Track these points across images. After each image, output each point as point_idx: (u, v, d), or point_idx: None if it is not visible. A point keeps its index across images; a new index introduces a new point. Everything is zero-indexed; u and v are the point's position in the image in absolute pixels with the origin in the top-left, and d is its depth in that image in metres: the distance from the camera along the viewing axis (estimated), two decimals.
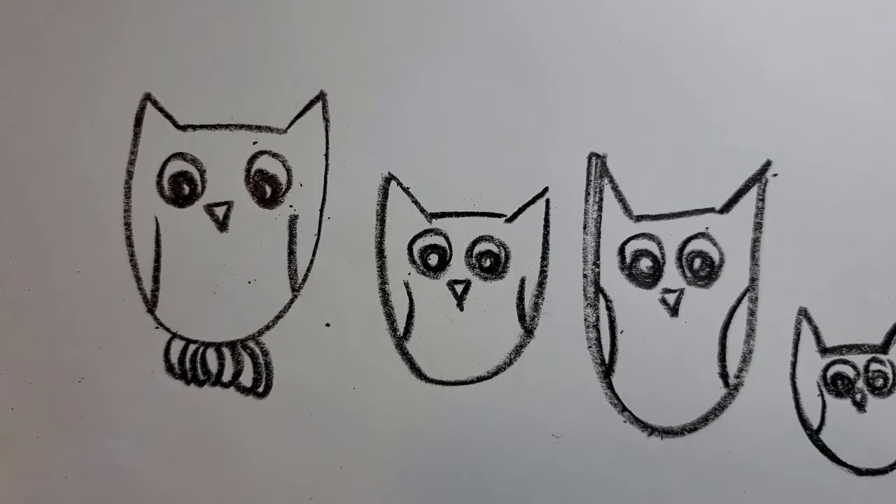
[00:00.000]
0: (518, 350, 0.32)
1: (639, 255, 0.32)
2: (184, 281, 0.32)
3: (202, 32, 0.32)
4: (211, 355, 0.32)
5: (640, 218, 0.32)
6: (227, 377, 0.32)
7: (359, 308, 0.32)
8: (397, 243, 0.32)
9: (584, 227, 0.32)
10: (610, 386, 0.32)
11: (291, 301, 0.32)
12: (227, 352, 0.32)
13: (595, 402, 0.32)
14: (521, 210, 0.32)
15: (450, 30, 0.32)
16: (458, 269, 0.32)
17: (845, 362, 0.32)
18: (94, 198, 0.32)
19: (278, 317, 0.32)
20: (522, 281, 0.32)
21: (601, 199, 0.32)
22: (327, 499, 0.31)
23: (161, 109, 0.32)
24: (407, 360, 0.32)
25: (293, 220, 0.32)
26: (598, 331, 0.32)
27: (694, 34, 0.32)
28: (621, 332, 0.32)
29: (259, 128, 0.32)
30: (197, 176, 0.32)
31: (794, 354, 0.32)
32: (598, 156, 0.32)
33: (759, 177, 0.32)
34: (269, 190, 0.32)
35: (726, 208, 0.32)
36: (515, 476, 0.32)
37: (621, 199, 0.32)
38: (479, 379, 0.32)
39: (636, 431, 0.32)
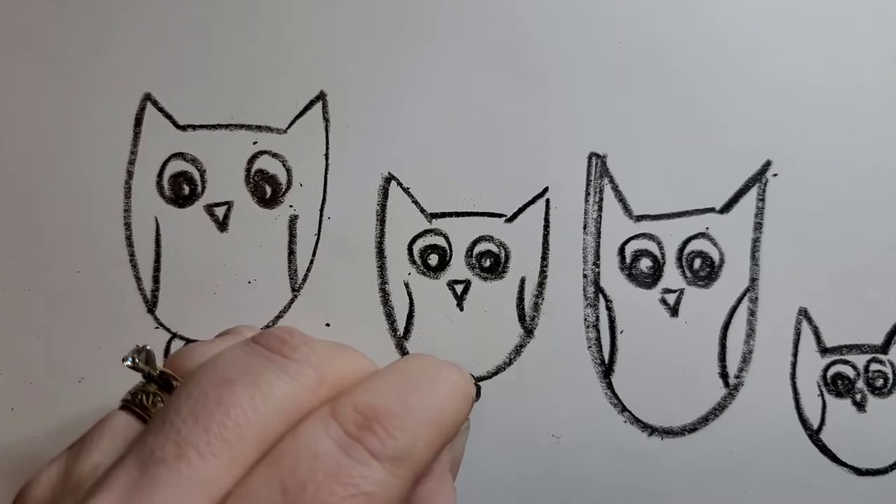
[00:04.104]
0: (518, 350, 0.32)
1: (639, 255, 0.32)
2: (184, 281, 0.32)
3: (202, 32, 0.32)
4: None
5: (640, 218, 0.32)
6: None
7: (359, 308, 0.32)
8: (397, 243, 0.32)
9: (584, 227, 0.32)
10: (610, 386, 0.32)
11: (291, 301, 0.32)
12: None
13: (595, 402, 0.32)
14: (521, 210, 0.32)
15: (450, 30, 0.32)
16: (458, 269, 0.32)
17: (845, 362, 0.32)
18: (94, 198, 0.32)
19: (278, 317, 0.32)
20: (522, 281, 0.32)
21: (601, 199, 0.32)
22: None
23: (161, 109, 0.32)
24: None
25: (293, 220, 0.32)
26: (597, 331, 0.32)
27: (694, 34, 0.32)
28: (621, 332, 0.32)
29: (259, 128, 0.32)
30: (197, 176, 0.32)
31: (794, 354, 0.32)
32: (598, 156, 0.32)
33: (759, 177, 0.32)
34: (269, 190, 0.32)
35: (726, 208, 0.32)
36: (515, 476, 0.32)
37: (621, 199, 0.32)
38: (479, 379, 0.32)
39: (636, 431, 0.32)
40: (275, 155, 0.32)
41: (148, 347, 0.22)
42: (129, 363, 0.22)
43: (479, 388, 0.25)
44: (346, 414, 0.18)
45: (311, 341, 0.21)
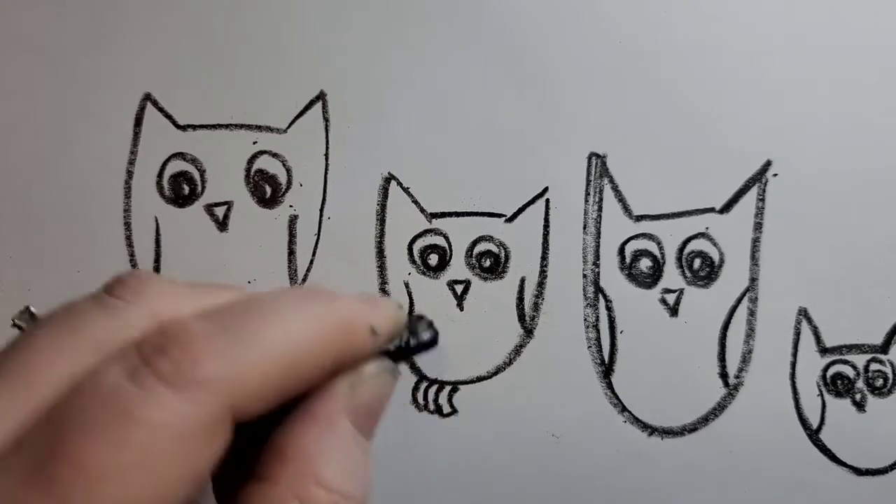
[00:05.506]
0: (518, 350, 0.32)
1: (639, 255, 0.32)
2: None
3: (202, 32, 0.32)
4: None
5: (640, 218, 0.32)
6: None
7: None
8: (397, 243, 0.32)
9: (584, 227, 0.32)
10: (610, 386, 0.32)
11: None
12: None
13: (595, 402, 0.32)
14: (521, 210, 0.32)
15: (450, 30, 0.32)
16: (457, 269, 0.32)
17: (845, 362, 0.32)
18: (94, 198, 0.32)
19: None
20: (522, 281, 0.32)
21: (601, 199, 0.32)
22: None
23: (161, 109, 0.32)
24: (407, 359, 0.32)
25: (293, 220, 0.32)
26: (597, 331, 0.32)
27: (694, 34, 0.32)
28: (621, 332, 0.32)
29: (259, 128, 0.32)
30: (197, 176, 0.32)
31: (794, 354, 0.32)
32: (598, 156, 0.32)
33: (759, 177, 0.32)
34: (269, 190, 0.32)
35: (726, 208, 0.32)
36: (515, 476, 0.32)
37: (621, 199, 0.32)
38: (479, 379, 0.32)
39: (636, 431, 0.32)
40: (275, 155, 0.32)
41: (32, 309, 0.22)
42: (12, 323, 0.21)
43: (436, 333, 0.20)
44: (149, 340, 0.15)
45: (155, 280, 0.18)
